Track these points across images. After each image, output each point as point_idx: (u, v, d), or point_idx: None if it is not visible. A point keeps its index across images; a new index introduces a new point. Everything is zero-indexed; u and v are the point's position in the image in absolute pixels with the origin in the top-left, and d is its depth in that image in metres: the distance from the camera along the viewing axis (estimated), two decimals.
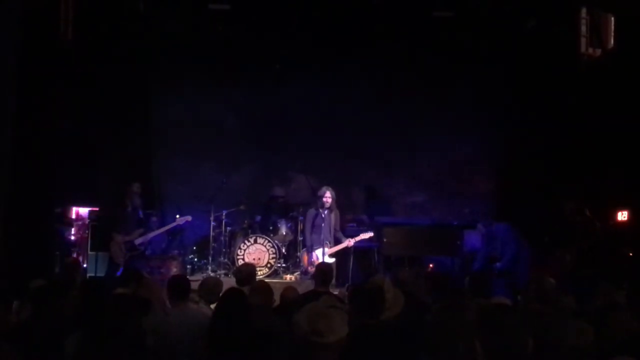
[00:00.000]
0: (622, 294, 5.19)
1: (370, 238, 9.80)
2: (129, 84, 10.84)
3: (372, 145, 11.80)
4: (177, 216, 10.05)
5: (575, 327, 3.32)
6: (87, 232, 10.24)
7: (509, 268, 9.24)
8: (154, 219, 10.51)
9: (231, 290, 4.60)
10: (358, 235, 9.68)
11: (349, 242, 9.60)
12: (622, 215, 8.92)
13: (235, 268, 9.41)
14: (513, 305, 4.55)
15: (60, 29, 8.81)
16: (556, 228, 9.19)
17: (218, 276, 9.51)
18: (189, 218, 9.58)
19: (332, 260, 9.42)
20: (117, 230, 8.88)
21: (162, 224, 11.07)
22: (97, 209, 10.24)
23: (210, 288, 5.49)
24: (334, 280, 9.24)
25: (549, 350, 3.14)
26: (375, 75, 11.46)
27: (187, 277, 9.32)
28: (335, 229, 9.72)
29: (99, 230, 9.25)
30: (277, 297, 5.62)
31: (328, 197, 9.52)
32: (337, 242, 9.69)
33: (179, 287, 5.10)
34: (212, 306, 5.39)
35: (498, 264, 9.30)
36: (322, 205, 9.52)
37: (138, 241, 8.94)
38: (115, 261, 8.82)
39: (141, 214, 9.18)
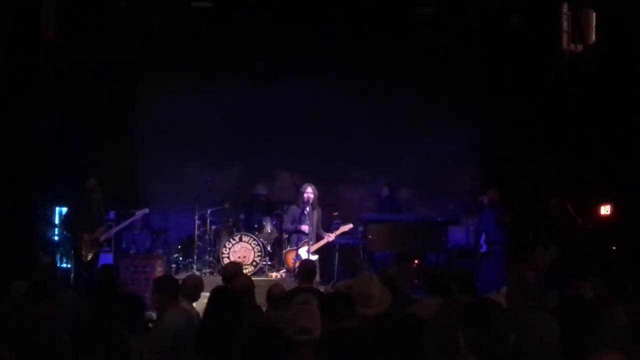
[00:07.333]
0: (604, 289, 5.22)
1: (351, 231, 9.80)
2: (112, 82, 10.75)
3: (357, 143, 11.80)
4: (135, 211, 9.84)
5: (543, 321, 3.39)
6: None
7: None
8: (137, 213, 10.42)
9: (219, 288, 4.57)
10: (338, 229, 9.68)
11: (329, 237, 9.58)
12: (605, 210, 8.97)
13: (221, 267, 9.39)
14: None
15: (42, 27, 8.72)
16: (540, 225, 9.23)
17: (203, 275, 9.50)
18: (147, 210, 9.51)
19: (315, 257, 9.42)
20: (82, 229, 8.78)
21: (147, 223, 11.01)
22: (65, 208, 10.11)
23: (192, 286, 5.50)
24: (319, 278, 9.28)
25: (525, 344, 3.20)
26: (359, 73, 11.46)
27: (172, 276, 9.40)
28: (317, 227, 9.69)
29: (67, 230, 9.15)
30: (263, 295, 5.63)
31: (309, 192, 9.47)
32: (319, 239, 9.65)
33: (170, 287, 5.09)
34: (195, 304, 5.44)
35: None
36: (305, 202, 9.48)
37: (102, 237, 8.89)
38: (82, 260, 8.74)
39: (102, 210, 9.05)
